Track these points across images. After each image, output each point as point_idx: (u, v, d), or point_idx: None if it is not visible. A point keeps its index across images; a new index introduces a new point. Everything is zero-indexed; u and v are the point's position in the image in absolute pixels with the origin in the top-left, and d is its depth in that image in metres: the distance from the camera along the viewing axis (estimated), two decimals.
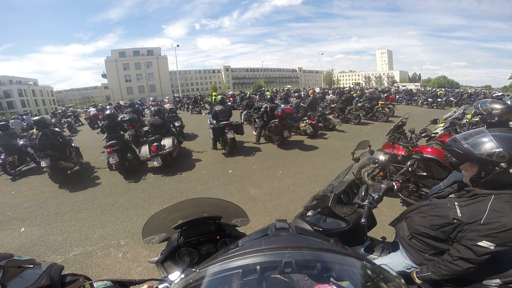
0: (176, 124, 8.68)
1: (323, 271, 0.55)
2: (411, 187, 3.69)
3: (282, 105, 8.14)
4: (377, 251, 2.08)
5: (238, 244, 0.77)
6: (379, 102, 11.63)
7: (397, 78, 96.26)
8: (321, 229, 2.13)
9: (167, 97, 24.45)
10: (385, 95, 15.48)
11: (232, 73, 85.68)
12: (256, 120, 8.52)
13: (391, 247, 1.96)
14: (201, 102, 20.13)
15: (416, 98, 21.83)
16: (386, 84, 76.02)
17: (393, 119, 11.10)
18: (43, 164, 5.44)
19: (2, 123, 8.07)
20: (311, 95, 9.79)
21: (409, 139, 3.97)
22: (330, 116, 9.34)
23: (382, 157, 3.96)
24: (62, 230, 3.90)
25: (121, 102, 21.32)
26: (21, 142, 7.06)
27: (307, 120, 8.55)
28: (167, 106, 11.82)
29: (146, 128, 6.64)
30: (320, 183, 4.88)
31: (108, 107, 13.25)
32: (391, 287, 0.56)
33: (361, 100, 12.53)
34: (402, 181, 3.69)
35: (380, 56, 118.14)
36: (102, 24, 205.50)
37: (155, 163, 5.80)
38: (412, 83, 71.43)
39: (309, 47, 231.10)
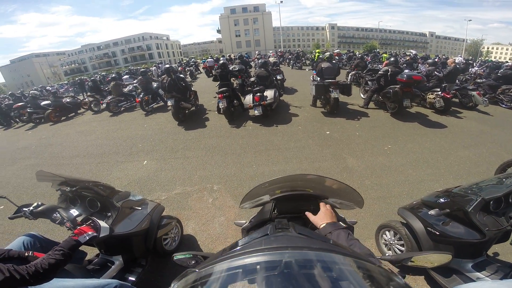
0: (278, 77, 8.75)
1: (324, 270, 0.54)
2: None
3: (407, 70, 7.05)
4: (489, 271, 1.74)
5: (238, 244, 0.77)
6: None
7: None
8: (437, 233, 1.84)
9: (271, 51, 24.78)
10: None
11: (338, 31, 79.36)
12: (369, 82, 7.60)
13: None
14: (303, 58, 19.55)
15: None
16: None
17: None
18: (169, 103, 6.63)
19: (142, 70, 10.52)
20: (451, 64, 7.67)
21: None
22: (474, 93, 7.07)
23: None
24: (173, 166, 4.57)
25: (232, 55, 23.10)
26: (155, 85, 8.91)
27: (439, 92, 6.73)
28: (271, 59, 11.94)
29: (253, 79, 6.92)
30: (440, 171, 3.92)
31: (221, 58, 14.85)
32: (391, 286, 0.55)
33: None
34: None
35: None
36: None
37: (256, 112, 6.12)
38: None
39: (449, 11, 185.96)
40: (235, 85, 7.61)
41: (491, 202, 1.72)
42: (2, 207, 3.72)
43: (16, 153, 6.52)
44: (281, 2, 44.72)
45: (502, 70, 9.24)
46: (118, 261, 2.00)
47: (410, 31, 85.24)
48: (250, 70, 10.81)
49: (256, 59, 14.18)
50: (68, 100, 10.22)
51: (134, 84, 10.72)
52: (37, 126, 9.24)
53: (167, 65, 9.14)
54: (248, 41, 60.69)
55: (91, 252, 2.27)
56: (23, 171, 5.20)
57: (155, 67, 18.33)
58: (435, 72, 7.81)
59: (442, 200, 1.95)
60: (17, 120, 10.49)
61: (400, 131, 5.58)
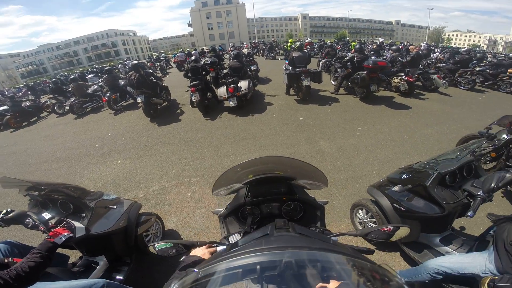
0: (252, 68, 8.78)
1: (323, 270, 0.55)
2: None
3: (373, 57, 7.49)
4: (456, 245, 1.81)
5: (238, 244, 0.78)
6: (508, 70, 8.76)
7: None
8: (402, 209, 1.89)
9: (245, 43, 24.61)
10: None
11: (310, 21, 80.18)
12: (338, 69, 7.88)
13: (477, 245, 1.66)
14: (276, 48, 19.72)
15: None
16: None
17: None
18: (139, 100, 6.36)
19: (107, 68, 9.89)
20: (413, 51, 8.23)
21: None
22: (435, 76, 7.61)
23: (504, 136, 2.85)
24: (148, 164, 4.46)
25: (204, 48, 22.55)
26: (122, 82, 8.44)
27: (404, 76, 7.16)
28: (245, 50, 11.87)
29: (225, 71, 6.86)
30: (406, 149, 4.21)
31: (193, 52, 14.45)
32: (391, 286, 0.55)
33: (482, 64, 9.87)
34: None
35: None
36: None
37: (231, 103, 6.11)
38: None
39: (415, 0, 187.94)
40: (208, 78, 7.49)
41: (447, 176, 1.75)
42: None
43: None
44: None
45: (459, 55, 10.00)
46: (102, 261, 2.00)
47: (377, 20, 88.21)
48: (223, 62, 10.61)
49: (230, 51, 14.03)
50: (28, 103, 9.41)
51: (99, 83, 10.10)
52: None
53: (135, 62, 8.74)
54: (221, 33, 59.38)
55: (74, 255, 2.22)
56: None
57: (121, 65, 17.40)
58: (399, 58, 8.27)
59: (404, 176, 1.98)
60: None
61: (369, 113, 5.89)
